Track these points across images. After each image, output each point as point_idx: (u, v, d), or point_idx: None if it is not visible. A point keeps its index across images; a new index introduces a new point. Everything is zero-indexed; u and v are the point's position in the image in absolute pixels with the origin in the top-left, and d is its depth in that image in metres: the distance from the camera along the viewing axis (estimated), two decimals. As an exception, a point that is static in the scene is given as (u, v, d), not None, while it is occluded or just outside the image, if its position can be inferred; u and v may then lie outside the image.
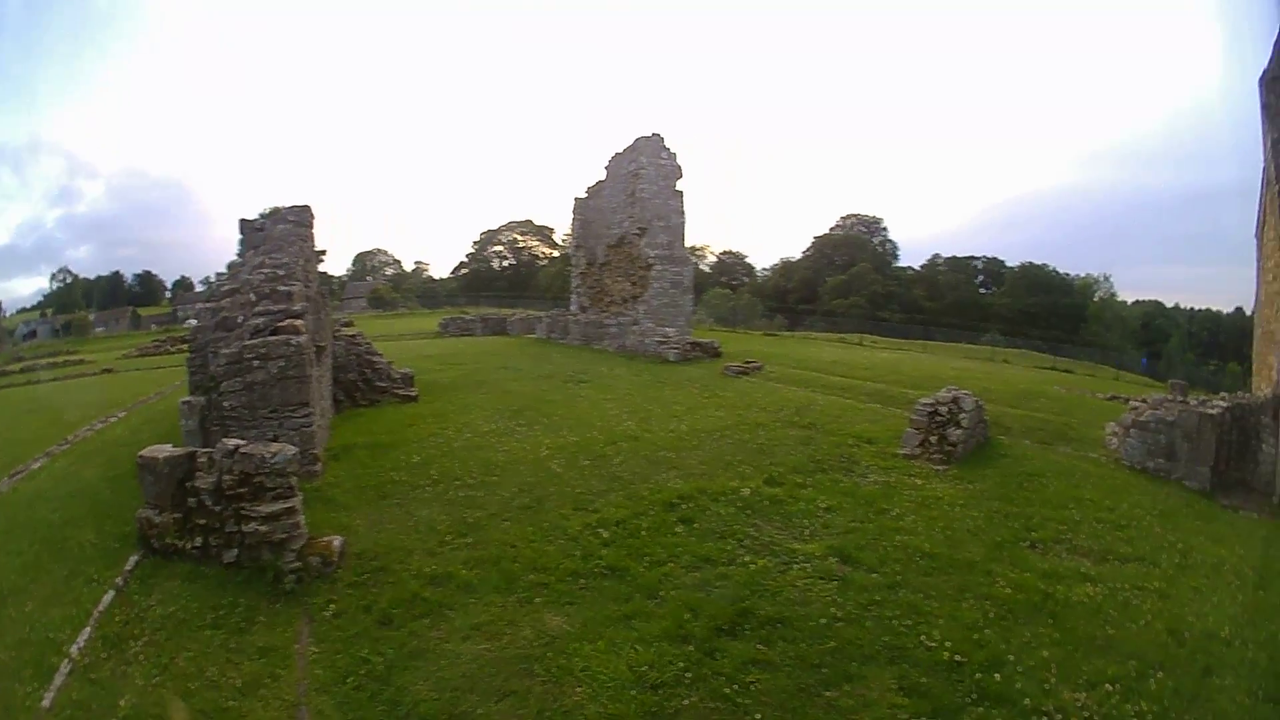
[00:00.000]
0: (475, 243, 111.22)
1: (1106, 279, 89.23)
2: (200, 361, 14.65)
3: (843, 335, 50.53)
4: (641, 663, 7.49)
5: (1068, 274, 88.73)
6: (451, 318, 48.63)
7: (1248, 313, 32.50)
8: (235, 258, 18.02)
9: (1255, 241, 27.19)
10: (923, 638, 7.83)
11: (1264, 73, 22.38)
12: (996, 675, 7.28)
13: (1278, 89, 22.09)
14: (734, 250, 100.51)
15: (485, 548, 10.19)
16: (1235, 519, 12.92)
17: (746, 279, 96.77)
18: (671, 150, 34.57)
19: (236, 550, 9.45)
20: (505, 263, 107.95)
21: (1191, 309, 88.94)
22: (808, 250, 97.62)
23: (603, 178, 38.34)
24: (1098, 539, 10.84)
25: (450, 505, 11.80)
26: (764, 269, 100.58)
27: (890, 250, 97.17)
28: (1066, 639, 7.98)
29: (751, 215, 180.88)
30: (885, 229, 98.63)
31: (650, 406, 18.63)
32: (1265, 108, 21.45)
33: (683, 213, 34.49)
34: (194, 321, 17.03)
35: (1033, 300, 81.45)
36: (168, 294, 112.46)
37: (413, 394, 20.87)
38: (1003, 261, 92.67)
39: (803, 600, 8.67)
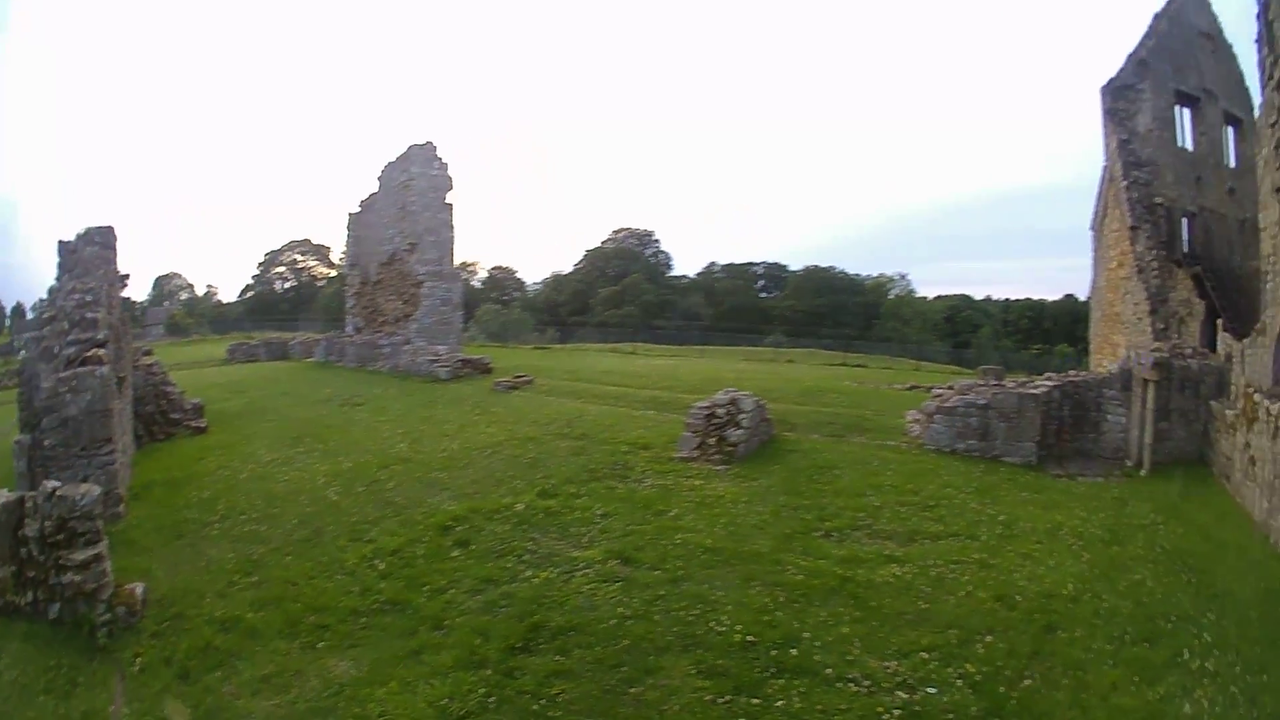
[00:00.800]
0: (260, 264, 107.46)
1: (902, 277, 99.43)
2: (27, 396, 14.25)
3: (615, 345, 52.47)
4: (440, 697, 7.46)
5: (858, 274, 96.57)
6: (238, 343, 46.78)
7: (1081, 299, 36.15)
8: (54, 282, 17.23)
9: (1092, 234, 32.02)
10: (713, 624, 8.29)
11: (1109, 82, 26.83)
12: (793, 651, 7.80)
13: (1126, 95, 26.68)
14: (504, 265, 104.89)
15: (269, 586, 10.17)
16: (1073, 485, 14.46)
17: (518, 294, 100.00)
18: (443, 160, 34.20)
19: (59, 604, 9.15)
20: (287, 285, 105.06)
21: (1008, 299, 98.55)
22: (579, 263, 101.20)
23: (376, 190, 37.36)
24: (902, 522, 11.53)
25: (237, 542, 11.78)
26: (535, 283, 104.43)
27: (664, 261, 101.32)
28: (870, 616, 8.48)
29: (522, 229, 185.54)
30: (657, 241, 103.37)
31: (422, 427, 18.97)
32: (1109, 113, 26.27)
33: (453, 227, 34.40)
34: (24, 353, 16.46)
35: (820, 301, 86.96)
36: (7, 322, 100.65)
37: (203, 425, 20.32)
38: (785, 266, 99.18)
39: (590, 606, 8.96)
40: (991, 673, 7.46)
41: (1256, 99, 16.38)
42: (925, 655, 7.72)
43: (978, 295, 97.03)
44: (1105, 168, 28.52)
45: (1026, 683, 7.39)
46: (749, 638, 7.96)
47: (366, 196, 37.81)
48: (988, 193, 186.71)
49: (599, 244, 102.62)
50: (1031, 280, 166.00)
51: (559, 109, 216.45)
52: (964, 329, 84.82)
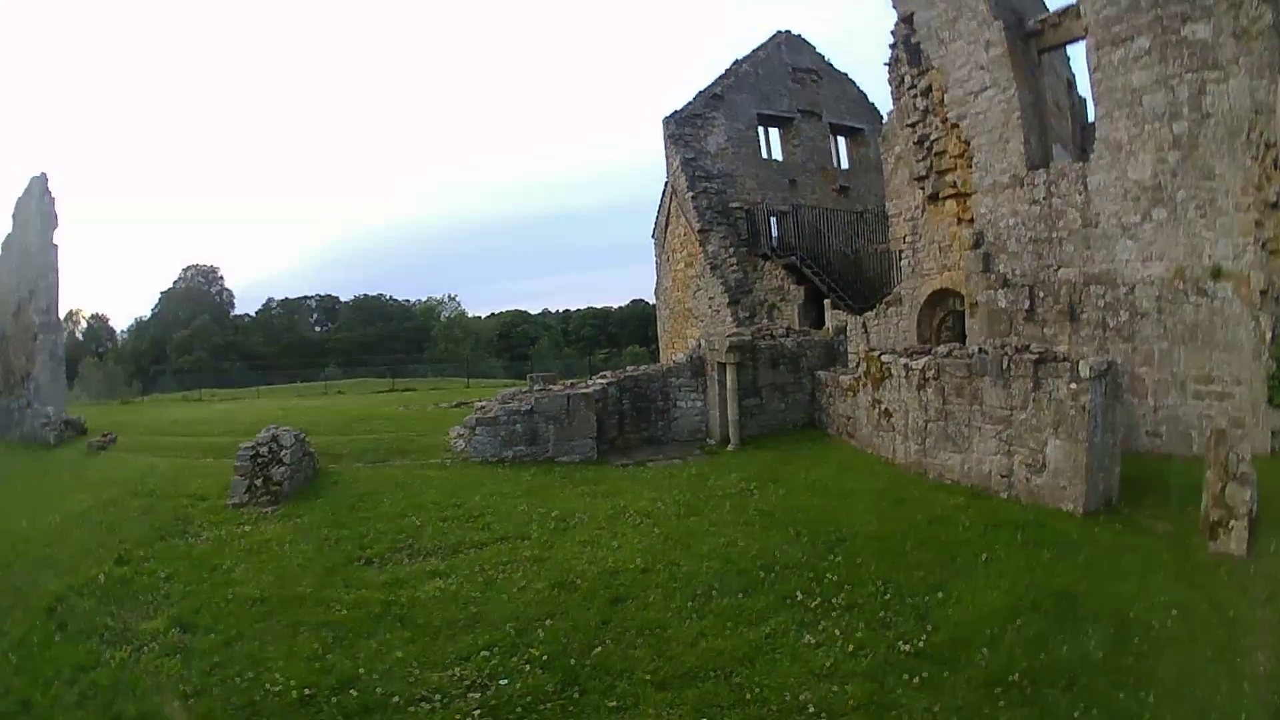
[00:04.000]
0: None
1: (452, 298, 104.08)
2: None
3: (185, 393, 51.73)
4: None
5: (408, 300, 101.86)
6: None
7: (650, 302, 40.57)
8: None
9: (654, 241, 37.16)
10: (267, 686, 7.60)
11: (674, 113, 31.54)
12: (353, 692, 7.32)
13: (693, 123, 31.27)
14: (100, 313, 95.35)
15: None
16: (641, 472, 15.41)
17: (110, 344, 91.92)
18: (53, 193, 29.72)
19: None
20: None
21: (567, 310, 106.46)
22: (156, 307, 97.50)
23: (10, 229, 31.55)
24: (445, 536, 11.64)
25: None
26: (123, 331, 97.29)
27: (227, 299, 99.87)
28: (420, 634, 8.36)
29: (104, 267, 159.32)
30: (222, 278, 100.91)
31: (34, 499, 16.87)
32: (672, 138, 31.50)
33: (58, 269, 30.06)
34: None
35: (370, 330, 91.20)
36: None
37: None
38: (337, 297, 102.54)
39: (158, 688, 7.86)
40: (558, 650, 7.64)
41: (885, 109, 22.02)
42: (486, 654, 7.72)
43: (534, 310, 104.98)
44: (667, 183, 33.61)
45: (598, 650, 7.63)
46: (306, 690, 7.36)
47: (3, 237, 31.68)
48: (539, 213, 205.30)
49: (171, 284, 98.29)
50: (595, 291, 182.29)
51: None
52: (521, 343, 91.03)
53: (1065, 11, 16.11)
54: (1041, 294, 16.27)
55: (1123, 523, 10.50)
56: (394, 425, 22.14)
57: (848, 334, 21.23)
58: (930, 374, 13.27)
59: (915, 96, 19.24)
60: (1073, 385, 10.86)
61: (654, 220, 36.10)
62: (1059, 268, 16.12)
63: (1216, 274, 13.44)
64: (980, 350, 12.69)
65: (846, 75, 35.21)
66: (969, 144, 18.02)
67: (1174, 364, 14.00)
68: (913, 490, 12.50)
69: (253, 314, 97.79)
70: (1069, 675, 6.62)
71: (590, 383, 18.20)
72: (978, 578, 8.75)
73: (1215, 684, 6.44)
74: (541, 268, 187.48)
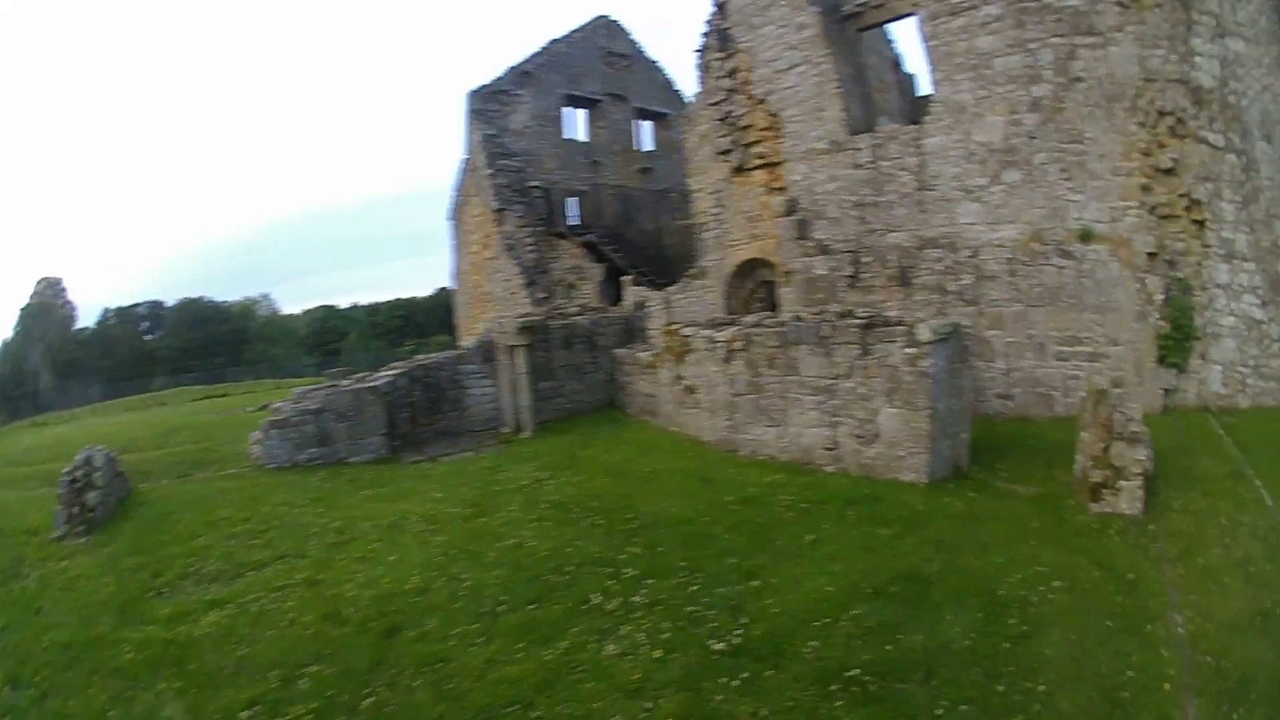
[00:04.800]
0: None
1: (265, 297, 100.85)
2: None
3: (36, 417, 50.49)
4: None
5: (225, 301, 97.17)
6: None
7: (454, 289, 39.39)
8: None
9: (451, 224, 35.96)
10: None
11: (480, 87, 30.64)
12: None
13: (499, 99, 30.29)
14: None
15: None
16: (431, 469, 14.43)
17: None
18: None
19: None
20: None
21: (375, 303, 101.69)
22: (17, 326, 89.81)
23: None
24: (230, 558, 10.63)
25: None
26: None
27: (69, 313, 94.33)
28: (191, 681, 7.34)
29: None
30: (65, 289, 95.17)
31: None
32: (476, 113, 30.41)
33: None
34: None
35: (194, 335, 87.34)
36: None
37: None
38: (163, 303, 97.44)
39: None
40: (325, 706, 6.58)
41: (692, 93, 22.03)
42: (247, 714, 6.63)
43: (344, 304, 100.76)
44: (465, 161, 32.56)
45: (370, 699, 6.61)
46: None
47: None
48: (353, 201, 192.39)
49: (28, 299, 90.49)
50: (402, 281, 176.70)
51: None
52: (332, 339, 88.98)
53: (886, -10, 16.23)
54: (867, 259, 16.10)
55: (978, 489, 10.22)
56: (201, 435, 21.01)
57: (649, 310, 20.86)
58: (738, 346, 12.81)
59: (721, 78, 19.23)
60: (909, 350, 10.49)
61: (451, 201, 34.97)
62: (887, 232, 16.11)
63: (1086, 236, 13.60)
64: (796, 318, 12.34)
65: (657, 62, 35.96)
66: (777, 115, 17.97)
67: (1030, 326, 14.05)
68: (723, 469, 12.01)
69: (93, 325, 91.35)
70: (926, 667, 6.07)
71: (378, 375, 17.04)
72: (803, 562, 8.23)
73: (1123, 657, 6.04)
74: (351, 259, 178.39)
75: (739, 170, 19.15)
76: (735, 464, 12.31)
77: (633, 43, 35.19)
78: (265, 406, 25.82)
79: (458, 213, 34.30)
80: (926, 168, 15.41)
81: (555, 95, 31.99)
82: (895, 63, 21.51)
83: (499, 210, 29.14)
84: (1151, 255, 13.11)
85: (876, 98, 18.65)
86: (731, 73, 18.91)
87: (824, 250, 16.87)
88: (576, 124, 33.81)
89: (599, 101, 33.29)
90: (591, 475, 12.50)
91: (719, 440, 13.36)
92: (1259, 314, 13.34)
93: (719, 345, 13.21)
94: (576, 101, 33.16)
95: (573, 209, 30.99)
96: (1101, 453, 9.10)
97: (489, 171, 29.31)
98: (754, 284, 20.08)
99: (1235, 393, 13.12)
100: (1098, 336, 13.55)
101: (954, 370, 10.88)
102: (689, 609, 7.34)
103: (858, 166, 16.51)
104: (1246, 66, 13.81)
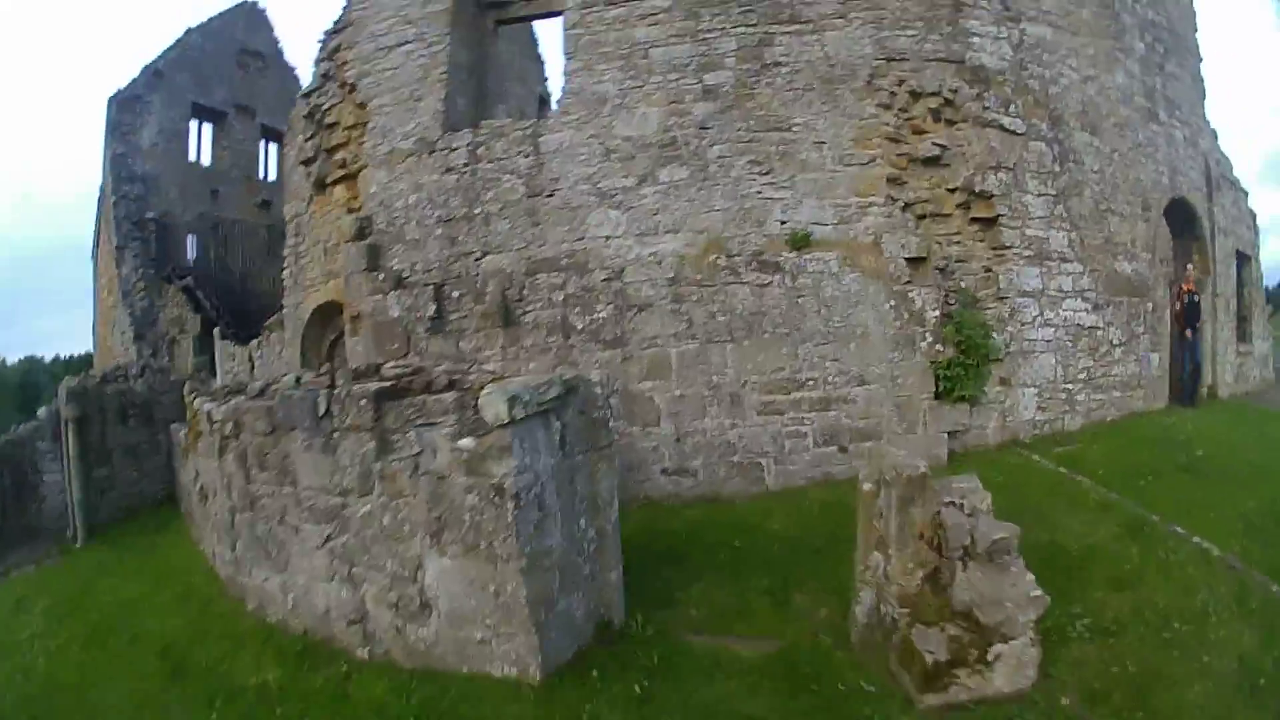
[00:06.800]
0: None
1: None
2: None
3: None
4: None
5: None
6: None
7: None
8: None
9: (92, 262, 29.47)
10: None
11: (118, 92, 24.93)
12: None
13: (133, 108, 24.85)
14: None
15: None
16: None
17: None
18: None
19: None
20: None
21: (71, 356, 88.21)
22: None
23: None
24: None
25: None
26: None
27: None
28: None
29: None
30: None
31: None
32: (113, 127, 24.61)
33: None
34: None
35: None
36: None
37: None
38: None
39: None
40: None
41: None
42: None
43: (49, 356, 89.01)
44: (103, 185, 26.74)
45: None
46: None
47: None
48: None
49: None
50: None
51: None
52: (40, 395, 79.25)
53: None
54: (457, 293, 11.77)
55: (625, 665, 5.80)
56: None
57: (230, 370, 17.15)
58: (229, 431, 7.82)
59: (322, 59, 14.26)
60: (464, 444, 5.64)
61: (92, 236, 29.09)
62: (484, 255, 12.01)
63: (801, 242, 10.84)
64: (296, 384, 7.43)
65: (294, 69, 30.18)
66: (365, 108, 13.45)
67: (713, 370, 10.64)
68: (211, 645, 7.12)
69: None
70: None
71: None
72: None
73: None
74: (56, 304, 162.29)
75: (320, 186, 14.34)
76: (232, 633, 7.34)
77: (274, 40, 29.88)
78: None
79: (96, 251, 28.47)
80: (544, 169, 11.75)
81: (184, 104, 26.41)
82: (540, 73, 18.96)
83: (119, 248, 23.83)
84: (914, 262, 10.84)
85: (505, 107, 15.10)
86: (334, 52, 13.99)
87: (400, 284, 12.33)
88: (204, 142, 28.03)
89: (225, 114, 27.66)
90: (72, 639, 7.99)
91: (227, 579, 8.47)
92: (1089, 319, 12.23)
93: (215, 428, 8.20)
94: (203, 113, 27.43)
95: (193, 248, 25.67)
96: (931, 594, 5.16)
97: (114, 198, 23.86)
98: (335, 334, 14.86)
99: (1059, 415, 11.82)
100: (832, 375, 10.61)
101: (571, 467, 6.22)
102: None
103: (448, 171, 12.37)
104: (1057, 54, 12.65)
